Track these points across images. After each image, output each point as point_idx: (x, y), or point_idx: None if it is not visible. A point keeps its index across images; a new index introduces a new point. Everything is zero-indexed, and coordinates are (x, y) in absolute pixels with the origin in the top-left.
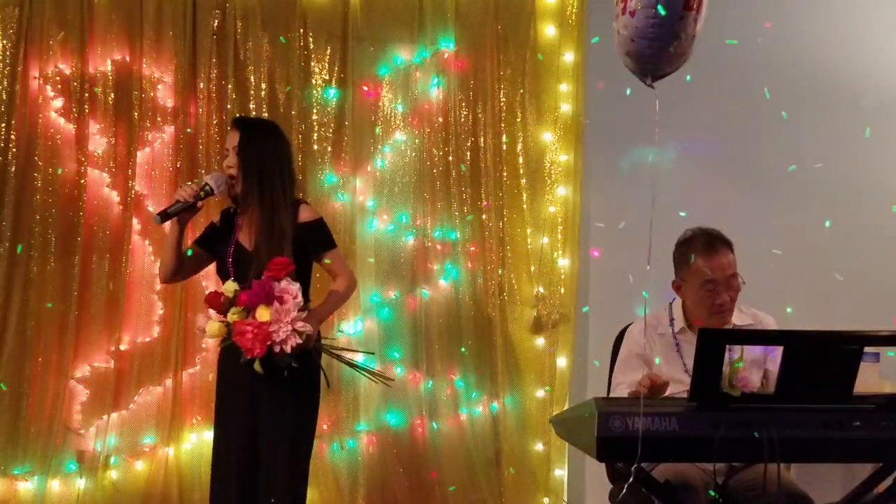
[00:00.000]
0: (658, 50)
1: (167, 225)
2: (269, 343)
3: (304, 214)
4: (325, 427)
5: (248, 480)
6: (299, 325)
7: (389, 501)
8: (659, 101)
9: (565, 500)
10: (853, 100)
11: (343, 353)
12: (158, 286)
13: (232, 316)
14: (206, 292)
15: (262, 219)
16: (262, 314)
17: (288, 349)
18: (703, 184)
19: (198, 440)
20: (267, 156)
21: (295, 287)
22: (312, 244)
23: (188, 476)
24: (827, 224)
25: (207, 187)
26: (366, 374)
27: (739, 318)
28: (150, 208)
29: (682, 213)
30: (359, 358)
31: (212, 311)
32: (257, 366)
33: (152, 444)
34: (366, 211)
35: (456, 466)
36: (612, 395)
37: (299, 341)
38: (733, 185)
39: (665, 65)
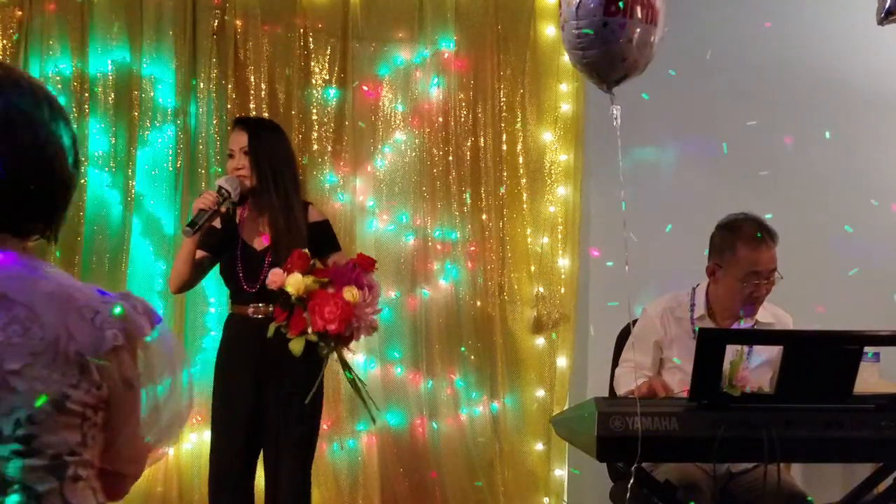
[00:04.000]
0: (594, 58)
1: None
2: (347, 323)
3: (314, 215)
4: (325, 427)
5: (250, 482)
6: (375, 320)
7: (389, 501)
8: (658, 101)
9: (565, 500)
10: (854, 99)
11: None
12: (158, 286)
13: (311, 283)
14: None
15: (279, 218)
16: (349, 294)
17: (359, 337)
18: (703, 184)
19: (198, 440)
20: (278, 155)
21: (378, 286)
22: (321, 245)
23: (188, 476)
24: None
25: (224, 192)
26: (363, 396)
27: (762, 315)
28: (156, 214)
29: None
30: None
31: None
32: (297, 345)
33: None
34: (366, 211)
35: (456, 466)
36: (617, 369)
37: (368, 334)
38: (732, 184)
39: (609, 72)
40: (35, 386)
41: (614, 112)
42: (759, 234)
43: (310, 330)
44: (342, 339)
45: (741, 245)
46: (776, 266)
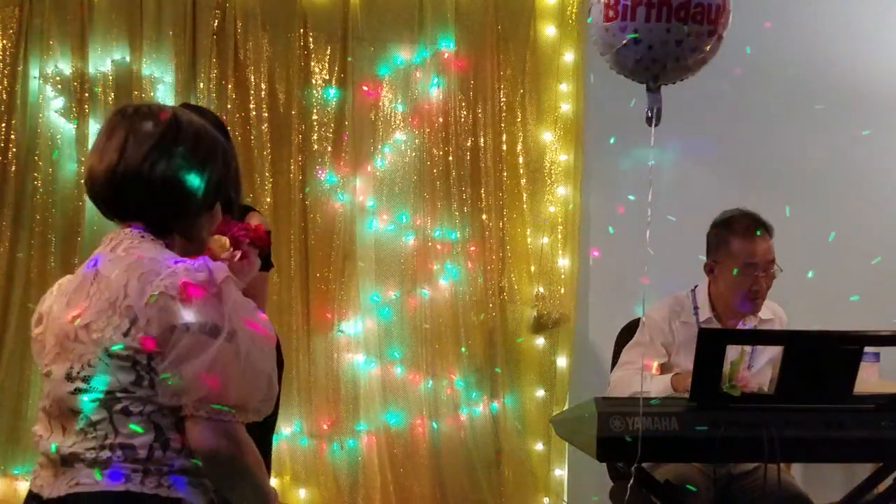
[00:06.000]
0: (611, 62)
1: None
2: None
3: (256, 220)
4: (325, 427)
5: None
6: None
7: (389, 501)
8: (657, 101)
9: (565, 500)
10: (854, 98)
11: None
12: None
13: None
14: None
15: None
16: (217, 243)
17: None
18: (703, 183)
19: None
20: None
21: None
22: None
23: None
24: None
25: None
26: None
27: (762, 312)
28: None
29: (671, 217)
30: None
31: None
32: None
33: None
34: (366, 211)
35: (456, 466)
36: (617, 373)
37: None
38: (732, 184)
39: (634, 73)
40: (93, 336)
41: (651, 109)
42: (753, 226)
43: None
44: None
45: (735, 238)
46: (773, 258)
